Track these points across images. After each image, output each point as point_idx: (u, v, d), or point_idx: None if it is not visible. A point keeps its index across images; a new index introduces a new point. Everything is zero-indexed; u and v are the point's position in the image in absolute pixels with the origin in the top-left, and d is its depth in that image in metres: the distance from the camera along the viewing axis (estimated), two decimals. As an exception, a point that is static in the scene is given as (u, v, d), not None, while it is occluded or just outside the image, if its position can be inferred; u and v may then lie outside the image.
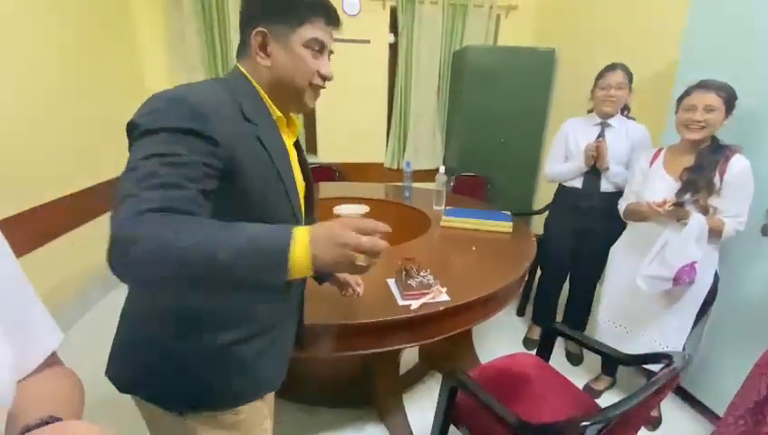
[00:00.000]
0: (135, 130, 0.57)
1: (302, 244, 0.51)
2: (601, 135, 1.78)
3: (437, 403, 1.13)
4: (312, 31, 0.70)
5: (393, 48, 3.25)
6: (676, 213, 1.36)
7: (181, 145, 0.55)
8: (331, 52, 0.77)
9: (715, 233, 1.35)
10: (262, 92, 0.73)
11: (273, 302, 0.78)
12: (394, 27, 3.19)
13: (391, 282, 1.27)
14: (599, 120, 1.79)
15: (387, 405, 1.56)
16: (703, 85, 1.33)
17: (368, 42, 3.19)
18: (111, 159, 2.51)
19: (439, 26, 3.16)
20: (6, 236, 0.44)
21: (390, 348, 1.15)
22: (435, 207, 2.11)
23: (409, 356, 1.88)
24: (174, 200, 0.52)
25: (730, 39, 1.47)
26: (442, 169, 2.18)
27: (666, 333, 1.51)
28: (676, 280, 1.37)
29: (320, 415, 1.61)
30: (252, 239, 0.51)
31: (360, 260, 0.53)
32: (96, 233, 2.40)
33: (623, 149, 1.75)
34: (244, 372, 0.74)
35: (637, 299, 1.52)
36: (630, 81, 1.72)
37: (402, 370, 1.77)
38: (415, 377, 1.82)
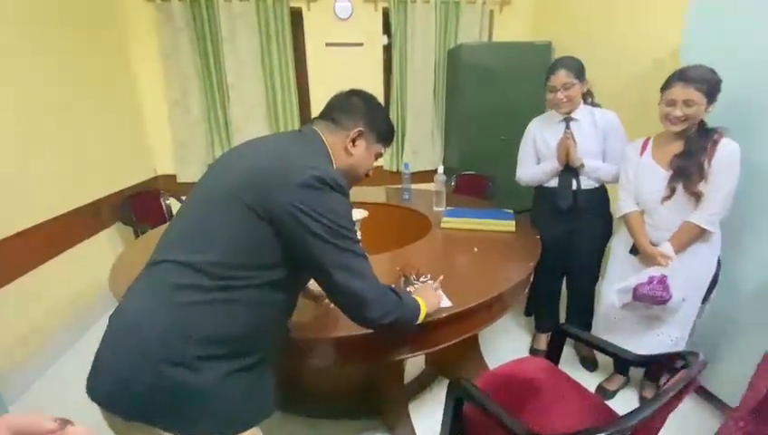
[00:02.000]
0: (341, 228, 0.78)
1: (423, 304, 0.99)
2: (567, 130, 1.68)
3: (443, 415, 1.08)
4: (382, 149, 1.01)
5: (387, 49, 3.22)
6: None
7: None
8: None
9: (699, 236, 1.36)
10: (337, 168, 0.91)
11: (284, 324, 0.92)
12: (387, 29, 3.16)
13: (391, 289, 1.22)
14: (561, 117, 1.70)
15: (393, 415, 1.51)
16: (682, 78, 1.28)
17: (361, 45, 3.16)
18: (103, 178, 2.49)
19: (432, 25, 3.13)
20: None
21: (392, 359, 1.11)
22: (435, 209, 2.07)
23: (415, 363, 1.83)
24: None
25: (732, 28, 1.41)
26: (440, 168, 2.14)
27: (671, 323, 1.47)
28: (635, 291, 1.38)
29: (324, 428, 1.57)
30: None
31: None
32: (89, 253, 2.36)
33: (594, 141, 1.66)
34: (252, 398, 0.78)
35: None
36: (580, 73, 1.62)
37: (408, 377, 1.73)
38: (422, 384, 1.77)
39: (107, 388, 0.71)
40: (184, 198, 0.92)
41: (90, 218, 2.37)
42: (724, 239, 1.41)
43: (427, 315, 0.99)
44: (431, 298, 1.06)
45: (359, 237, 0.83)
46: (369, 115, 0.94)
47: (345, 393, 1.68)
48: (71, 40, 2.25)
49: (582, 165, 1.65)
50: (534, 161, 1.84)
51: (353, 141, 0.92)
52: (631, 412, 0.75)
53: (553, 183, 1.76)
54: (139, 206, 2.67)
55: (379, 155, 1.00)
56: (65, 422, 0.38)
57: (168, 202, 2.73)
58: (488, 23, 3.26)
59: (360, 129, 0.92)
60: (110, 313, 0.78)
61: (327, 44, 3.11)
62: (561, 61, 1.65)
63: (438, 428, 1.13)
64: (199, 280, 0.72)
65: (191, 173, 3.13)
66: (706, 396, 1.62)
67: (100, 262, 2.39)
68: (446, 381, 1.77)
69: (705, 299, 1.48)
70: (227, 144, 3.13)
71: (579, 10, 2.74)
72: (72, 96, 2.24)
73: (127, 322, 0.74)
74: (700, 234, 1.36)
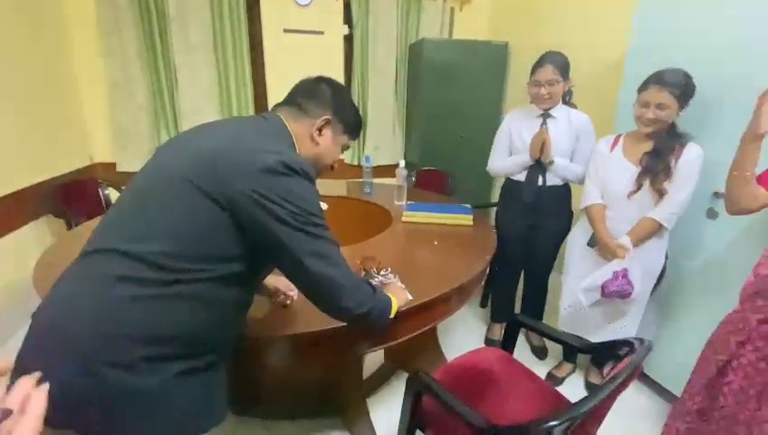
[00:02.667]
0: (311, 215, 0.73)
1: (395, 304, 0.96)
2: (543, 126, 1.72)
3: (402, 408, 1.08)
4: (349, 141, 0.97)
5: (348, 40, 3.16)
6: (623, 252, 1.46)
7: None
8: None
9: (656, 232, 1.45)
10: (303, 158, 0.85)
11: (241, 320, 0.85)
12: (348, 18, 3.10)
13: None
14: (540, 112, 1.74)
15: (351, 413, 1.48)
16: (658, 81, 1.34)
17: (321, 33, 3.07)
18: (29, 164, 2.23)
19: (394, 18, 3.10)
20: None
21: (352, 355, 1.08)
22: (396, 203, 2.06)
23: (374, 357, 1.81)
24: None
25: (676, 30, 1.51)
26: (402, 163, 2.13)
27: (623, 315, 1.56)
28: (603, 288, 1.45)
29: (280, 429, 1.51)
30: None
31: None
32: (12, 248, 2.11)
33: (567, 140, 1.71)
34: (203, 402, 0.73)
35: None
36: (566, 71, 1.66)
37: (367, 372, 1.71)
38: (380, 379, 1.76)
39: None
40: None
41: (12, 209, 2.11)
42: (672, 236, 1.51)
43: (397, 311, 0.98)
44: (399, 293, 1.05)
45: (326, 224, 0.77)
46: (338, 104, 0.90)
47: (302, 393, 1.63)
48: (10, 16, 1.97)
49: (552, 162, 1.69)
50: (507, 153, 1.86)
51: (320, 130, 0.88)
52: (583, 399, 0.78)
53: (520, 177, 1.80)
54: (72, 196, 2.42)
55: (345, 147, 0.97)
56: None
57: (106, 192, 2.49)
58: (449, 20, 3.29)
59: (328, 117, 0.88)
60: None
61: (285, 30, 2.99)
62: (549, 56, 1.64)
63: (397, 421, 1.12)
64: (142, 272, 0.64)
65: (133, 162, 2.88)
66: (657, 388, 1.74)
67: (24, 258, 2.14)
68: (405, 375, 1.77)
69: (652, 292, 1.58)
70: (175, 132, 2.91)
71: (534, 11, 2.83)
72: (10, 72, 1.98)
73: (54, 319, 0.65)
74: (657, 229, 1.44)
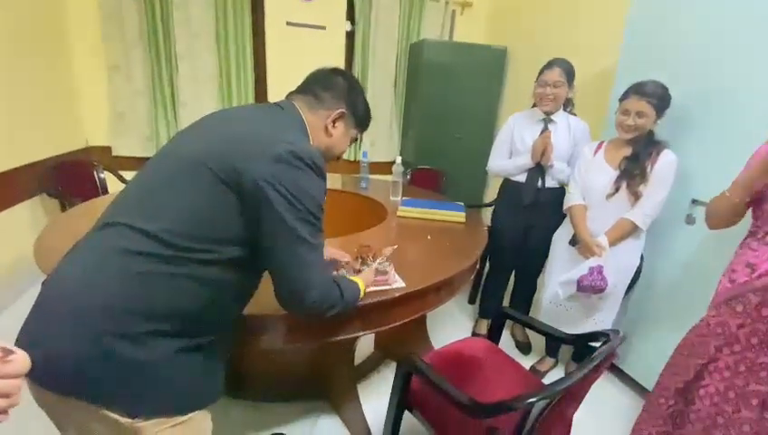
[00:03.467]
0: (309, 214, 0.75)
1: (363, 287, 1.00)
2: (545, 130, 1.81)
3: (392, 388, 1.13)
4: (359, 133, 1.00)
5: (350, 37, 3.20)
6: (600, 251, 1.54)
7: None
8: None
9: (632, 232, 1.53)
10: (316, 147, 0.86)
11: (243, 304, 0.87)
12: (351, 15, 3.14)
13: (344, 272, 1.24)
14: (542, 116, 1.82)
15: (341, 396, 1.54)
16: (637, 91, 1.44)
17: (323, 28, 3.10)
18: (24, 144, 2.22)
19: (396, 17, 3.15)
20: None
21: (344, 337, 1.13)
22: (392, 198, 2.11)
23: (365, 346, 1.87)
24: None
25: (662, 44, 1.60)
26: (399, 159, 2.18)
27: (604, 309, 1.65)
28: (579, 282, 1.53)
29: (271, 410, 1.56)
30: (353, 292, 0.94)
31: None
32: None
33: (566, 145, 1.79)
34: (201, 379, 0.74)
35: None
36: (571, 77, 1.75)
37: (357, 360, 1.76)
38: (370, 366, 1.82)
39: (36, 359, 0.64)
40: (122, 172, 0.85)
41: (6, 188, 2.11)
42: (647, 238, 1.59)
43: (365, 293, 1.02)
44: (367, 275, 1.10)
45: (321, 226, 0.80)
46: (352, 97, 0.92)
47: (292, 375, 1.67)
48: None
49: (552, 165, 1.77)
50: (508, 154, 1.94)
51: (334, 122, 0.90)
52: (559, 379, 0.84)
53: (520, 178, 1.88)
54: (67, 177, 2.42)
55: (354, 139, 1.00)
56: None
57: (102, 175, 2.49)
58: (450, 22, 3.35)
59: (343, 110, 0.90)
60: (35, 287, 0.71)
61: (288, 23, 3.01)
62: (558, 60, 1.74)
63: (385, 407, 1.18)
64: (155, 249, 0.66)
65: (128, 146, 2.89)
66: (629, 382, 1.84)
67: (19, 235, 2.15)
68: (394, 364, 1.83)
69: (628, 290, 1.67)
70: (173, 119, 2.92)
71: (531, 19, 2.91)
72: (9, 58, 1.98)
73: (65, 288, 0.67)
74: (633, 230, 1.53)
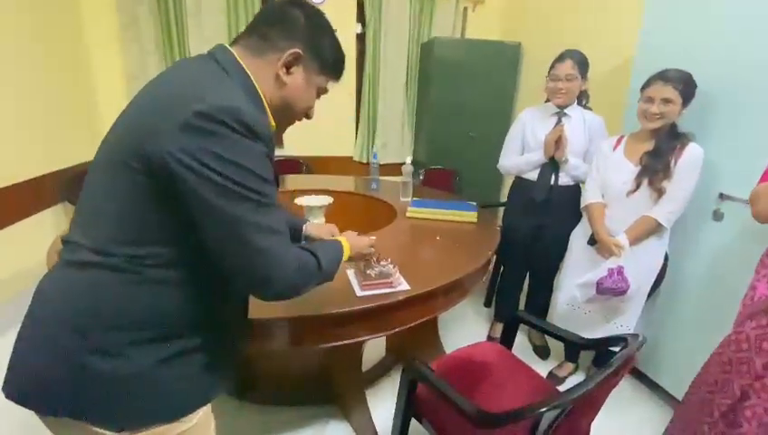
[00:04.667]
0: (237, 186, 0.58)
1: (347, 250, 0.90)
2: (559, 124, 1.73)
3: (398, 396, 1.10)
4: (329, 83, 0.78)
5: (360, 39, 3.19)
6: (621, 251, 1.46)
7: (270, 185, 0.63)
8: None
9: (654, 230, 1.45)
10: (266, 104, 0.70)
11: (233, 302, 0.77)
12: (361, 17, 3.13)
13: (351, 272, 1.21)
14: (556, 110, 1.75)
15: (349, 401, 1.51)
16: (662, 77, 1.36)
17: (335, 31, 3.10)
18: (48, 153, 2.31)
19: (407, 17, 3.12)
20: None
21: (350, 341, 1.10)
22: (402, 199, 2.08)
23: (375, 350, 1.84)
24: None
25: (683, 34, 1.51)
26: (408, 159, 2.15)
27: (621, 313, 1.56)
28: (598, 285, 1.45)
29: (279, 415, 1.54)
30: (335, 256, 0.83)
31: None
32: (30, 232, 2.19)
33: (581, 140, 1.72)
34: (196, 379, 0.69)
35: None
36: (584, 70, 1.67)
37: (369, 364, 1.73)
38: (381, 371, 1.78)
39: (22, 383, 0.62)
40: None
41: (30, 196, 2.19)
42: (672, 237, 1.50)
43: (350, 258, 0.92)
44: (355, 238, 0.99)
45: (269, 198, 0.62)
46: (312, 35, 0.70)
47: (300, 380, 1.66)
48: (13, 3, 2.05)
49: (566, 160, 1.70)
50: (520, 151, 1.87)
51: (287, 67, 0.69)
52: (572, 387, 0.78)
53: (532, 176, 1.80)
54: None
55: (322, 90, 0.78)
56: None
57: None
58: (462, 20, 3.30)
59: (297, 50, 0.68)
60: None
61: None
62: (569, 51, 1.67)
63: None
64: (102, 259, 0.60)
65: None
66: (658, 391, 1.71)
67: (42, 242, 2.22)
68: (405, 368, 1.80)
69: (652, 292, 1.57)
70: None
71: (546, 13, 2.82)
72: (14, 65, 2.05)
73: (41, 308, 0.65)
74: (656, 228, 1.44)
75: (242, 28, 2.88)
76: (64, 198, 2.47)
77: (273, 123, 0.72)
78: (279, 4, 0.71)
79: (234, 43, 0.71)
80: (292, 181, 2.50)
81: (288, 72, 0.70)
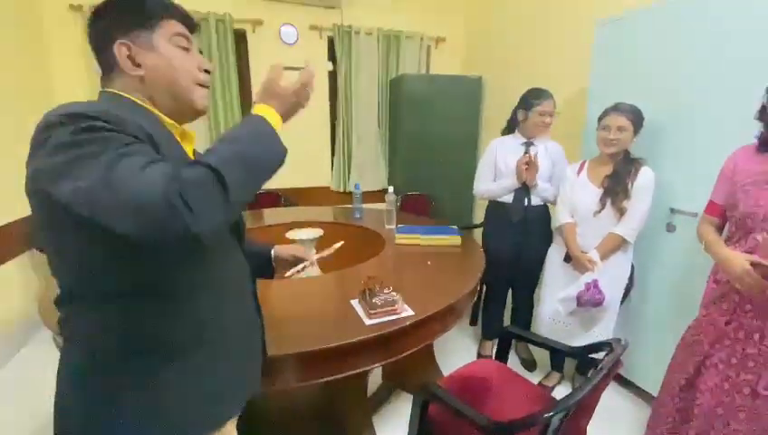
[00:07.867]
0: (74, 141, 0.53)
1: (263, 108, 0.70)
2: (527, 153, 1.92)
3: (410, 419, 1.14)
4: (172, 27, 0.69)
5: (332, 76, 3.34)
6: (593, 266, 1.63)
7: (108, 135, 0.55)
8: (201, 51, 0.79)
9: (621, 245, 1.64)
10: (148, 106, 0.69)
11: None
12: (332, 56, 3.29)
13: (355, 302, 1.27)
14: (524, 140, 1.94)
15: (358, 432, 1.52)
16: (616, 109, 1.58)
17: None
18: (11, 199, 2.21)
19: (375, 56, 3.32)
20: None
21: (360, 370, 1.15)
22: (387, 226, 2.17)
23: (372, 380, 1.86)
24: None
25: (631, 66, 1.75)
26: (391, 189, 2.26)
27: (598, 322, 1.72)
28: (578, 298, 1.61)
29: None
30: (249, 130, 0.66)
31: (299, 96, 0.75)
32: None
33: (546, 166, 1.92)
34: (195, 400, 0.70)
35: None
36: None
37: (368, 393, 1.75)
38: (381, 399, 1.81)
39: None
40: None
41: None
42: (635, 248, 1.69)
43: (277, 109, 0.71)
44: (281, 92, 0.72)
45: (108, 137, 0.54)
46: (116, 17, 0.66)
47: (306, 413, 1.65)
48: None
49: (536, 184, 1.89)
50: (492, 177, 2.03)
51: (132, 60, 0.66)
52: (573, 392, 0.88)
53: (507, 199, 1.97)
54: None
55: (180, 39, 0.70)
56: None
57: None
58: (426, 57, 3.55)
59: (119, 42, 0.65)
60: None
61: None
62: (545, 91, 1.85)
63: (403, 439, 1.18)
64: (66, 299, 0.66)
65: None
66: (635, 390, 1.88)
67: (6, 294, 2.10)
68: (404, 395, 1.83)
69: (623, 300, 1.75)
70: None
71: (504, 49, 3.11)
72: None
73: None
74: (621, 243, 1.63)
75: (216, 69, 2.96)
76: (30, 246, 2.36)
77: (168, 120, 0.72)
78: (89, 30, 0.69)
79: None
80: (274, 215, 2.53)
81: (135, 64, 0.67)
